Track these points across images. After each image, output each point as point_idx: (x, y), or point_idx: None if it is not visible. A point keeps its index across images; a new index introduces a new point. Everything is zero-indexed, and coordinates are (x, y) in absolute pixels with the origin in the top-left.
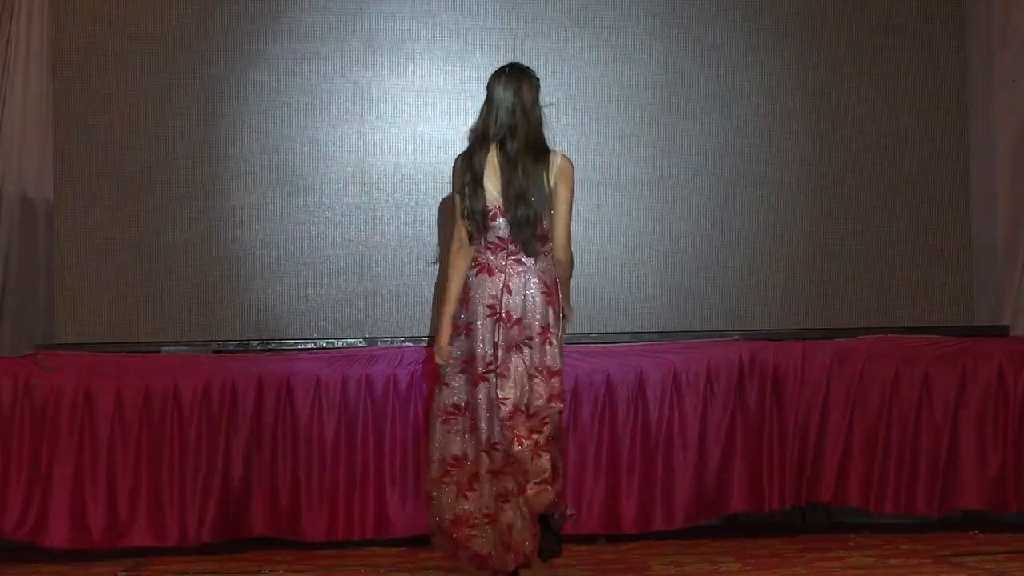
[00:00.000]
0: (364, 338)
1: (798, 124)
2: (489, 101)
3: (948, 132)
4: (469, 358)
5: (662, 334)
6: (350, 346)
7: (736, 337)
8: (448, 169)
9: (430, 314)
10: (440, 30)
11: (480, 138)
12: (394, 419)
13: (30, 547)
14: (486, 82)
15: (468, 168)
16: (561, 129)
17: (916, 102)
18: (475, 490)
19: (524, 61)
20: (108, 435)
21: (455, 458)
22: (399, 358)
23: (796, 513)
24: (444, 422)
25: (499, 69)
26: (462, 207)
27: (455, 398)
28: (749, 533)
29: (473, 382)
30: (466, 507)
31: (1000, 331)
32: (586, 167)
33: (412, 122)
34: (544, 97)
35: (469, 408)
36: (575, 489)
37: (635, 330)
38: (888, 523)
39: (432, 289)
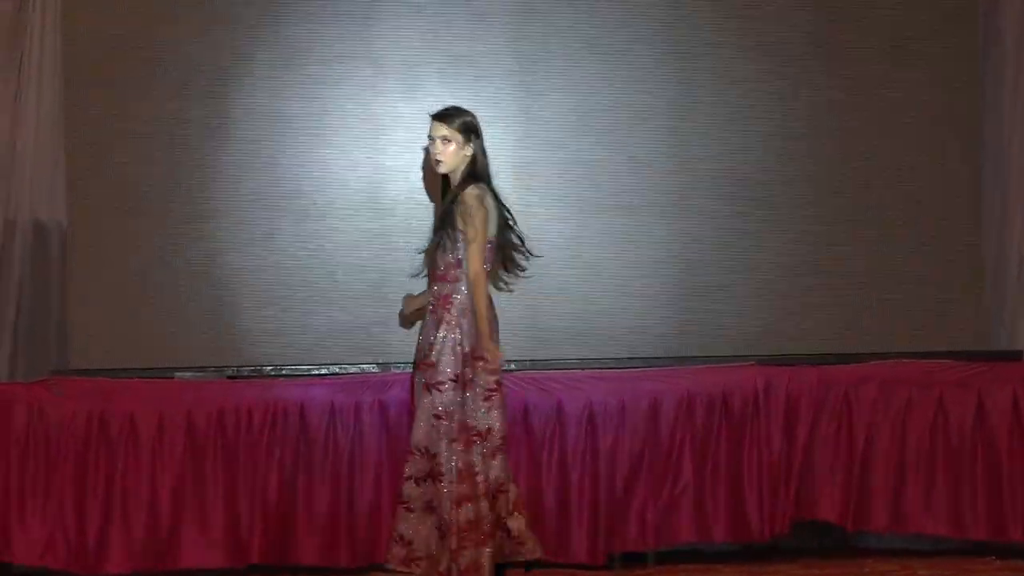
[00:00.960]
0: (378, 364)
1: (809, 147)
2: (482, 145)
3: (959, 154)
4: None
5: (675, 359)
6: (364, 372)
7: (751, 363)
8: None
9: None
10: (451, 56)
11: (487, 178)
12: (408, 444)
13: (47, 572)
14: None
15: (496, 204)
16: (573, 154)
17: (927, 124)
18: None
19: (535, 86)
20: (121, 461)
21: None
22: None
23: (812, 537)
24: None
25: (470, 112)
26: (508, 236)
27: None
28: (764, 557)
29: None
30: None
31: (1015, 356)
32: (598, 192)
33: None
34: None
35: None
36: (591, 515)
37: (648, 355)
38: (905, 547)
39: None
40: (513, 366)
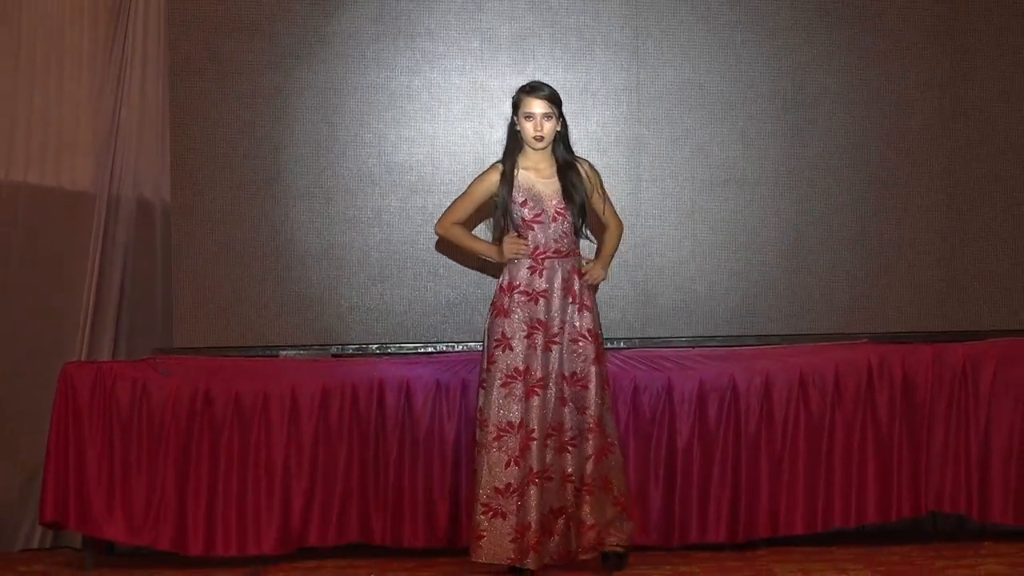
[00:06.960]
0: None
1: (926, 123)
2: None
3: None
4: None
5: (787, 337)
6: (470, 351)
7: (864, 340)
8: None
9: None
10: (561, 28)
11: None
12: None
13: (145, 553)
14: (605, 81)
15: None
16: (684, 129)
17: None
18: None
19: (645, 60)
20: (227, 440)
21: None
22: None
23: (927, 520)
24: None
25: None
26: None
27: None
28: (879, 540)
29: None
30: None
31: None
32: (710, 168)
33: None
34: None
35: None
36: (699, 496)
37: (761, 333)
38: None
39: None
40: (623, 343)
